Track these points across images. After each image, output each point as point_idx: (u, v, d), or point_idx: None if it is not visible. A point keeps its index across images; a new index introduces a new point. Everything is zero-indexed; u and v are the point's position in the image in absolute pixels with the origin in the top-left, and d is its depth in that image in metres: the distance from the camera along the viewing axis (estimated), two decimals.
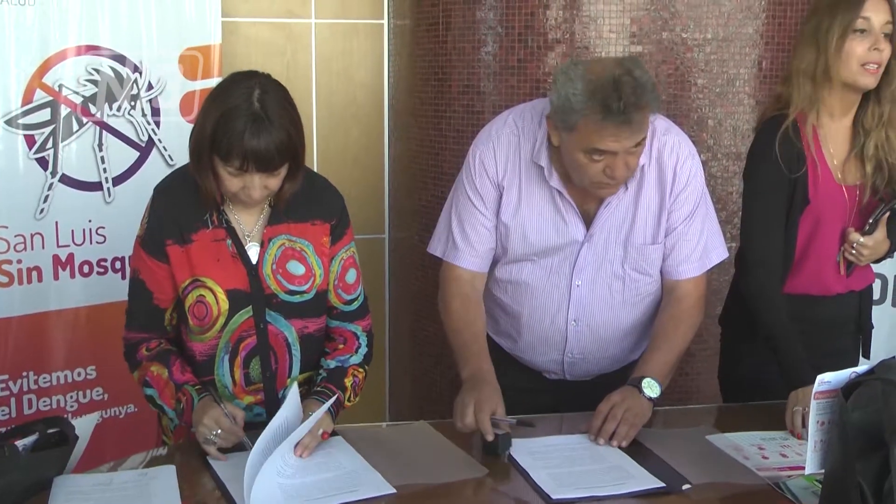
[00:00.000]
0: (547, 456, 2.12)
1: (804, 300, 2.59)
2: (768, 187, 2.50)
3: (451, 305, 2.44)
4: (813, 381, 1.84)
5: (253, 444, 1.96)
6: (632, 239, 2.40)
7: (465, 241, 2.43)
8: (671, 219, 2.40)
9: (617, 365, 2.57)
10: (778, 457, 2.15)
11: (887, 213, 2.48)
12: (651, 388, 2.26)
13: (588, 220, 2.39)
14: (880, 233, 2.51)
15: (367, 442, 2.17)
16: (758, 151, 2.54)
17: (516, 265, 2.46)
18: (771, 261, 2.52)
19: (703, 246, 2.46)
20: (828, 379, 1.78)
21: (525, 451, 2.14)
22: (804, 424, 2.24)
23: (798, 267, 2.56)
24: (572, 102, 2.15)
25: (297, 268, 2.23)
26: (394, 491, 1.93)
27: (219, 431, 2.06)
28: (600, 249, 2.40)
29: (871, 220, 2.50)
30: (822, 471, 1.83)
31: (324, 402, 2.15)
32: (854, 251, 2.51)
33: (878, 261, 2.64)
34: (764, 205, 2.52)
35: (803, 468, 1.91)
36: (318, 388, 2.23)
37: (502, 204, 2.40)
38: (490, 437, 2.13)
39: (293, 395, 2.05)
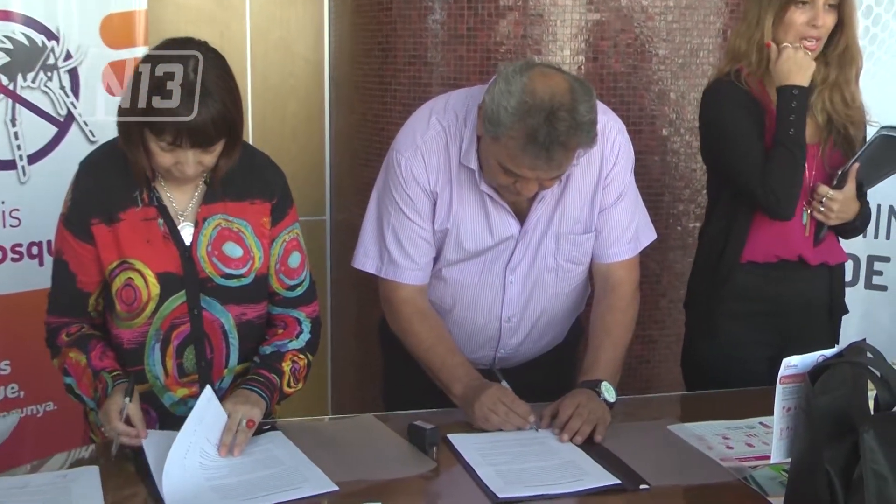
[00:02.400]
0: (495, 451, 2.14)
1: (772, 271, 2.65)
2: (734, 111, 2.60)
3: (413, 326, 2.45)
4: None
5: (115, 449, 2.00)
6: (564, 229, 2.43)
7: (405, 257, 2.43)
8: (602, 200, 2.43)
9: (545, 350, 2.63)
10: (743, 447, 2.18)
11: (856, 165, 2.54)
12: (609, 392, 2.30)
13: (521, 215, 2.41)
14: (850, 188, 2.58)
15: (309, 436, 2.18)
16: (712, 97, 2.67)
17: (447, 265, 2.48)
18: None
19: (635, 226, 2.49)
20: (794, 363, 1.81)
21: (472, 445, 2.16)
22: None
23: (759, 222, 2.63)
24: (500, 117, 2.13)
25: (234, 250, 2.22)
26: (336, 488, 1.94)
27: (106, 427, 2.04)
28: (534, 244, 2.43)
29: (839, 172, 2.58)
30: (789, 460, 1.86)
31: (252, 391, 2.16)
32: (823, 208, 2.57)
33: (847, 231, 2.70)
34: (738, 124, 2.60)
35: (770, 458, 1.94)
36: (249, 376, 2.22)
37: (435, 210, 2.41)
38: (533, 419, 2.23)
39: (205, 397, 2.03)
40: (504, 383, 2.32)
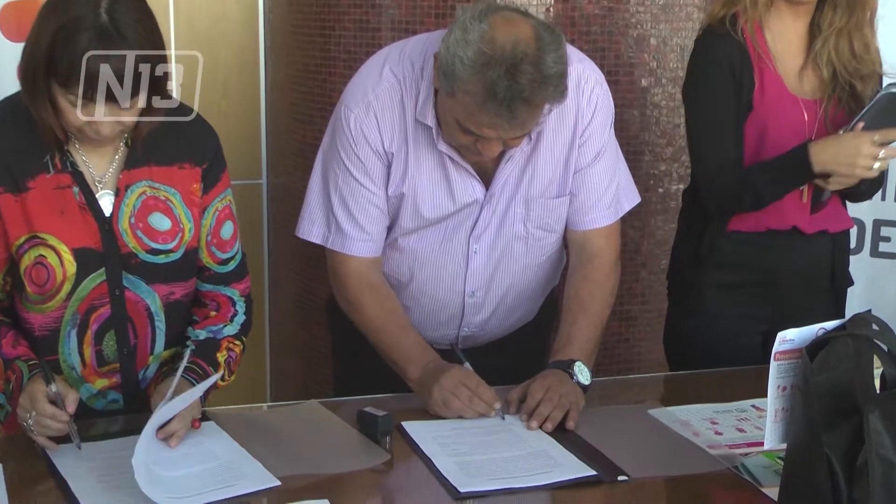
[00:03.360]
0: (456, 441, 2.14)
1: (762, 241, 2.66)
2: (714, 88, 2.59)
3: (363, 302, 2.45)
4: None
5: (80, 438, 2.01)
6: (534, 192, 2.43)
7: (355, 226, 2.42)
8: (578, 159, 2.43)
9: (515, 328, 2.65)
10: (734, 432, 2.21)
11: (860, 125, 2.55)
12: (583, 373, 2.31)
13: (486, 177, 2.41)
14: None
15: (246, 427, 2.17)
16: (699, 54, 2.65)
17: (403, 234, 2.48)
18: (733, 165, 2.61)
19: (615, 188, 2.50)
20: (790, 336, 1.82)
21: (429, 435, 2.17)
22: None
23: None
24: (456, 69, 2.12)
25: (161, 221, 2.20)
26: (278, 483, 1.94)
27: (33, 414, 2.01)
28: (501, 209, 2.44)
29: (841, 132, 2.58)
30: (785, 446, 1.87)
31: (193, 382, 2.14)
32: None
33: (854, 195, 2.71)
34: (711, 107, 2.60)
35: (763, 444, 1.95)
36: (187, 365, 2.19)
37: (390, 173, 2.40)
38: (499, 406, 2.23)
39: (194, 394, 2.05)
40: (467, 365, 2.33)
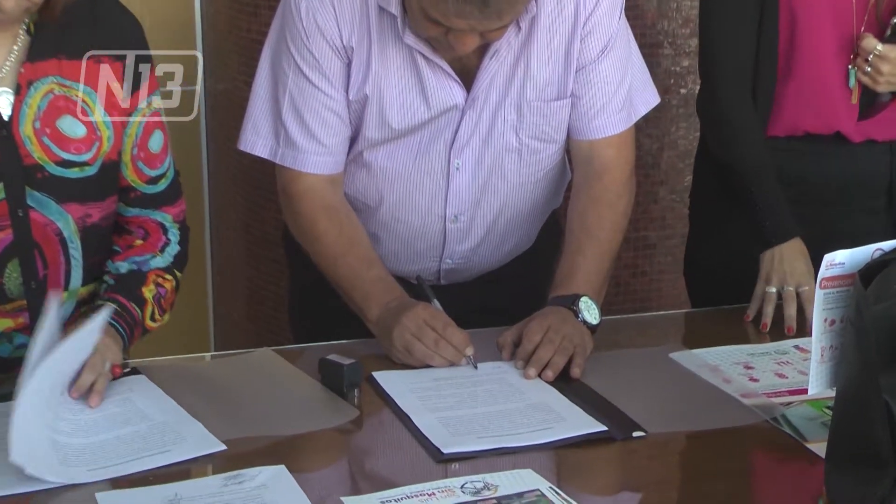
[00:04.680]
0: (437, 393, 2.15)
1: (802, 147, 2.65)
2: None
3: (317, 228, 2.45)
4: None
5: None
6: (528, 95, 2.42)
7: (307, 136, 2.42)
8: (581, 54, 2.42)
9: (508, 259, 2.66)
10: (772, 378, 2.22)
11: None
12: (590, 311, 2.32)
13: (468, 76, 2.39)
14: None
15: (185, 381, 2.18)
16: None
17: (369, 147, 2.47)
18: (741, 71, 2.61)
19: (627, 88, 2.50)
20: (840, 260, 1.81)
21: (406, 386, 2.17)
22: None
23: (784, 85, 2.63)
24: None
25: (73, 126, 2.18)
26: (223, 448, 1.94)
27: None
28: (488, 116, 2.43)
29: (894, 21, 2.57)
30: (834, 392, 1.88)
31: (117, 328, 2.15)
32: (869, 67, 2.57)
33: None
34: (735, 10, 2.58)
35: (807, 391, 1.95)
36: (101, 302, 2.20)
37: (350, 73, 2.39)
38: (471, 352, 2.23)
39: (53, 315, 1.99)
40: (436, 303, 2.34)
